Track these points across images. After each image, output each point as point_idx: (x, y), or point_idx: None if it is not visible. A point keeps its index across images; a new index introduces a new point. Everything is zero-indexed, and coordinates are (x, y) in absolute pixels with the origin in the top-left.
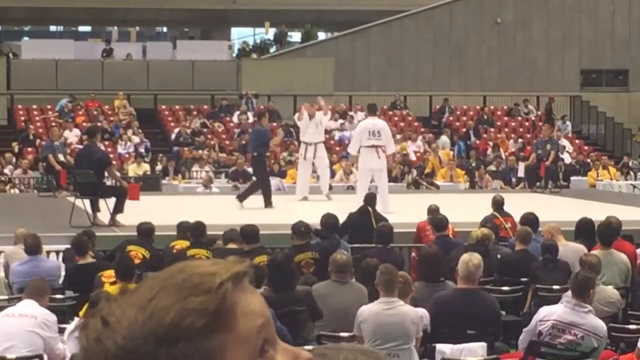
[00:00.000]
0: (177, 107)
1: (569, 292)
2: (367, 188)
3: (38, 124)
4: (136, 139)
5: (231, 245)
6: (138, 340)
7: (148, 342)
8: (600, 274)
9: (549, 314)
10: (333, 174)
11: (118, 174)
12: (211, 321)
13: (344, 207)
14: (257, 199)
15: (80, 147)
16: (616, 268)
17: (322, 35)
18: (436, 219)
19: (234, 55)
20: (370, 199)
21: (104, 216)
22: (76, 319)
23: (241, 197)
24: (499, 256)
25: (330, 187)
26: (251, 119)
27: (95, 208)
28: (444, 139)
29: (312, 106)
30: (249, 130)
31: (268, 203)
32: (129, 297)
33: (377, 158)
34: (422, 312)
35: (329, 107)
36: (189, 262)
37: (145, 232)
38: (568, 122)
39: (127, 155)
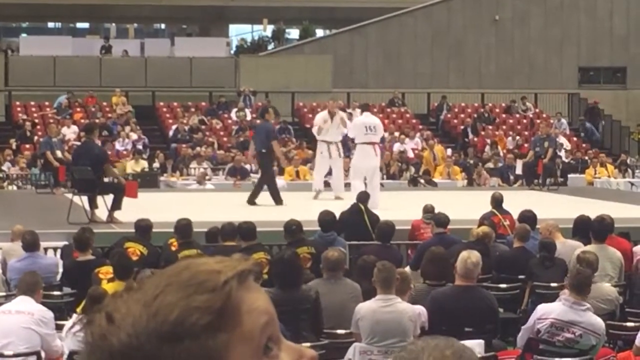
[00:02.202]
0: (175, 103)
1: (567, 290)
2: (363, 186)
3: (36, 120)
4: (134, 136)
5: (228, 242)
6: (142, 338)
7: (152, 339)
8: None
9: (547, 312)
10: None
11: (116, 170)
12: (216, 319)
13: (343, 204)
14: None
15: (78, 143)
16: (609, 263)
17: (320, 33)
18: (438, 215)
19: (232, 52)
20: (364, 197)
21: (101, 213)
22: (74, 315)
23: (251, 199)
24: (497, 253)
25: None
26: (249, 116)
27: (93, 205)
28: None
29: (335, 102)
30: (255, 126)
31: (279, 201)
32: (135, 293)
33: (374, 156)
34: (420, 309)
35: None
36: (194, 259)
37: (143, 228)
38: (563, 120)
39: (125, 152)
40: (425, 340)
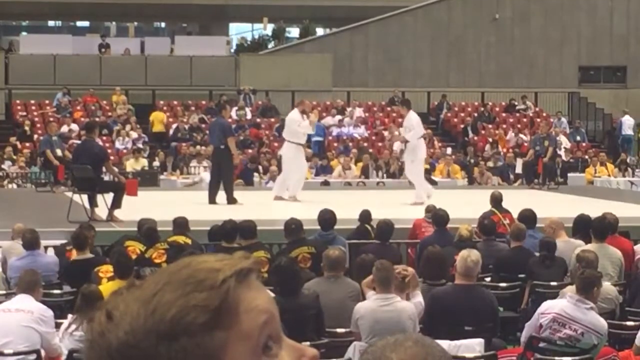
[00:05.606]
0: (175, 102)
1: (573, 288)
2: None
3: (36, 118)
4: (134, 134)
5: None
6: (140, 336)
7: (150, 337)
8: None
9: (550, 307)
10: (331, 170)
11: (116, 169)
12: (213, 317)
13: (343, 202)
14: (248, 194)
15: (78, 142)
16: (608, 262)
17: (320, 31)
18: (437, 214)
19: (232, 50)
20: (366, 216)
21: (101, 211)
22: (69, 316)
23: (211, 198)
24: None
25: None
26: (249, 115)
27: (93, 203)
28: None
29: (307, 103)
30: (210, 123)
31: (232, 200)
32: (134, 291)
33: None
34: (418, 300)
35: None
36: (195, 257)
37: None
38: (563, 119)
39: (124, 151)
40: (385, 338)
